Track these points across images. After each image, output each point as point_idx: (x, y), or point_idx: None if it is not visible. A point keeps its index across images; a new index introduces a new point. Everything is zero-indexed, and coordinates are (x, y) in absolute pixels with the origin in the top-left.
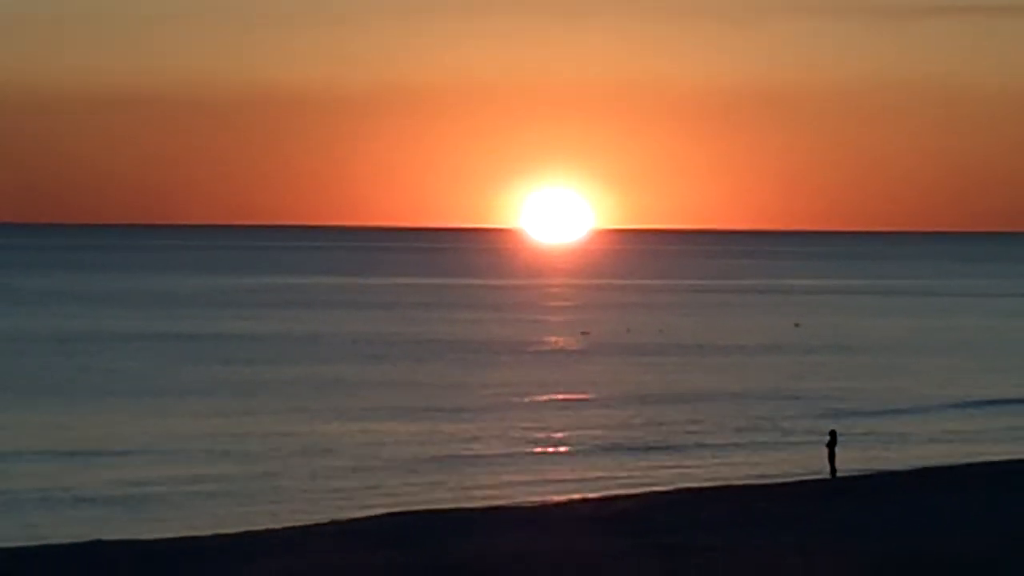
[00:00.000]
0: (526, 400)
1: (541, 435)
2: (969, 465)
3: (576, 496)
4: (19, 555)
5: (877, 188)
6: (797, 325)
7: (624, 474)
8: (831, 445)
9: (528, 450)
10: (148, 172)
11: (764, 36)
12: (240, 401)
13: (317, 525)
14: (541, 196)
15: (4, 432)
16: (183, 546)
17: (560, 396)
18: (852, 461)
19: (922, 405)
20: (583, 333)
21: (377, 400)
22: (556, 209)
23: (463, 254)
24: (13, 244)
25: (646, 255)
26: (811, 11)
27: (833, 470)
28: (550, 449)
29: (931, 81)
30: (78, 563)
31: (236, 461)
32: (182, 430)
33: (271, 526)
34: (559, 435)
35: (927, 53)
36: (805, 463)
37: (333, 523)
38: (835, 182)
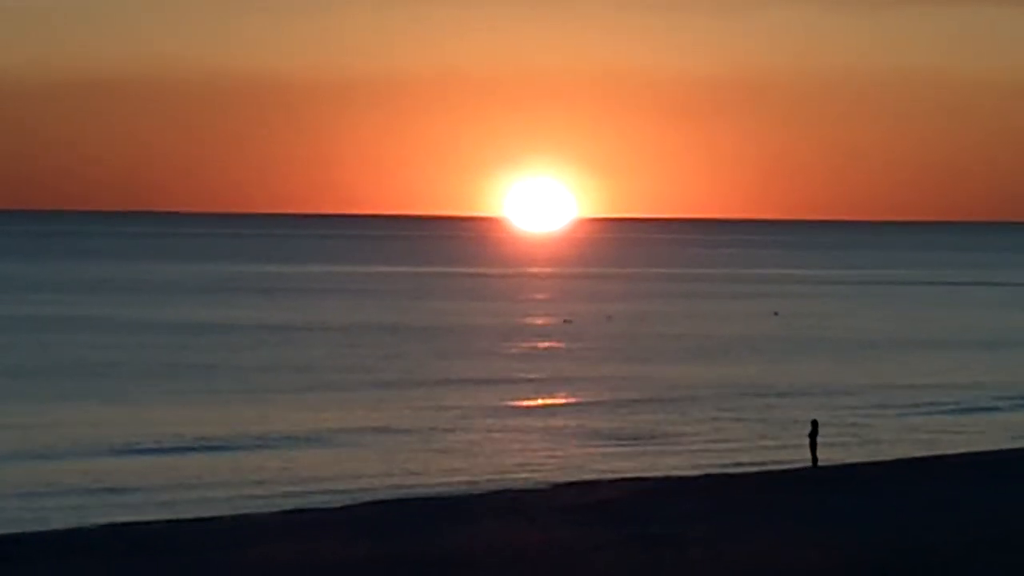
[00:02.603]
0: (506, 388)
1: (521, 423)
2: (952, 455)
3: (556, 485)
4: (2, 542)
5: (860, 177)
6: (776, 313)
7: (604, 463)
8: (813, 435)
9: (508, 438)
10: (130, 158)
11: (747, 26)
12: (214, 389)
13: (295, 512)
14: (525, 185)
15: None
16: (165, 532)
17: (541, 384)
18: (834, 451)
19: (903, 395)
20: (566, 321)
21: (354, 388)
22: (540, 198)
23: (447, 242)
24: None
25: (629, 244)
26: (795, 1)
27: (815, 460)
28: (530, 437)
29: (914, 71)
30: (63, 549)
31: (210, 449)
32: (156, 418)
33: (249, 513)
34: (540, 423)
35: (910, 43)
36: (786, 453)
37: (311, 511)
38: (818, 171)
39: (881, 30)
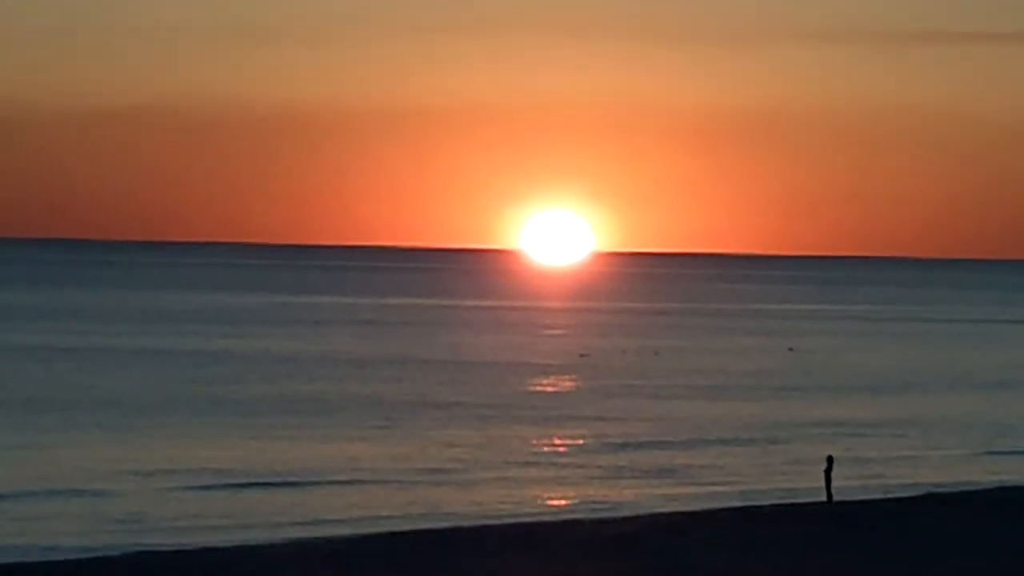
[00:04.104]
0: (521, 422)
1: (536, 456)
2: (967, 492)
3: (572, 518)
4: (20, 570)
5: (878, 213)
6: (791, 349)
7: (620, 498)
8: (828, 470)
9: (523, 471)
10: (146, 188)
11: (765, 60)
12: (226, 421)
13: (303, 543)
14: (542, 217)
15: None
16: (173, 561)
17: (556, 418)
18: (849, 486)
19: (918, 432)
20: (582, 355)
21: (367, 421)
22: (557, 231)
23: (463, 275)
24: (9, 258)
25: (645, 278)
26: (811, 36)
27: (829, 495)
28: (545, 470)
29: (930, 108)
30: None
31: (219, 480)
32: (167, 450)
33: (259, 543)
34: (554, 456)
35: (926, 80)
36: (801, 488)
37: (322, 541)
38: (836, 207)
39: (898, 66)
